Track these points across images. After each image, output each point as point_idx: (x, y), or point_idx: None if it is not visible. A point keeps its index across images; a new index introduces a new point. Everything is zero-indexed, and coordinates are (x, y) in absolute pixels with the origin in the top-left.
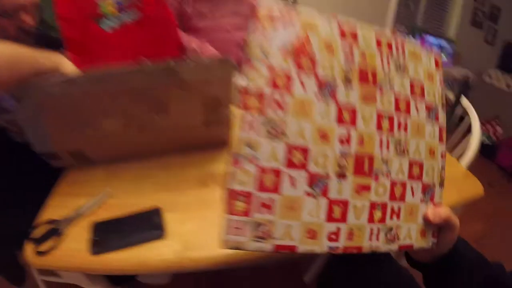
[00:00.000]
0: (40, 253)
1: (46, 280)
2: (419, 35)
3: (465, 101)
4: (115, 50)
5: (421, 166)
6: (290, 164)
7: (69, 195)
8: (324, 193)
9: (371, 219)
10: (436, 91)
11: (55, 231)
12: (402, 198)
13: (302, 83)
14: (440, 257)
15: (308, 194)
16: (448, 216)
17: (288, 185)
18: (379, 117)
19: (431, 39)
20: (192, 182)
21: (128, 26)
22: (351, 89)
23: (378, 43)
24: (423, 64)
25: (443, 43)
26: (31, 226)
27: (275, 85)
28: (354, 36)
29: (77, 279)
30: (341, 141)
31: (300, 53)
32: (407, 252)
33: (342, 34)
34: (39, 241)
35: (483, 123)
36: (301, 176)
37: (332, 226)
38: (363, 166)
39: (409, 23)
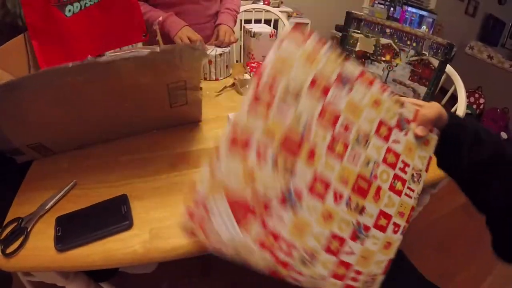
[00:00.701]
0: (8, 255)
1: (31, 281)
2: (400, 6)
3: (450, 69)
4: (79, 36)
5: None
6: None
7: (34, 190)
8: None
9: None
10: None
11: (22, 229)
12: None
13: None
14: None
15: None
16: (428, 117)
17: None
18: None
19: (412, 10)
20: (161, 165)
21: (90, 9)
22: None
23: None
24: None
25: (424, 14)
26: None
27: None
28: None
29: (51, 278)
30: None
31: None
32: None
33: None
34: (6, 242)
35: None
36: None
37: None
38: None
39: None
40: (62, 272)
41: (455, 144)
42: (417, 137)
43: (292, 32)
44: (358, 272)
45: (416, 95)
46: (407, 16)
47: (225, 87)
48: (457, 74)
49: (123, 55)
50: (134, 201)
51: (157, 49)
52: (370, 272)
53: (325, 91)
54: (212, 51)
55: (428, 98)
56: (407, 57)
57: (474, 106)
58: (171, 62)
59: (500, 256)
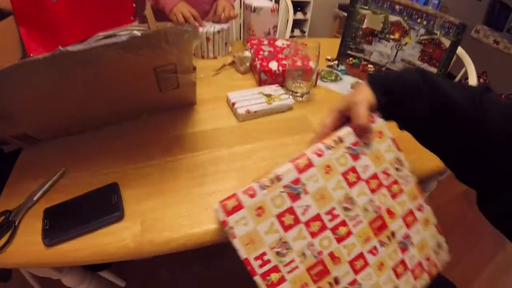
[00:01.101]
0: None
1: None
2: None
3: (460, 51)
4: (66, 20)
5: None
6: None
7: (23, 181)
8: None
9: None
10: None
11: (9, 223)
12: None
13: None
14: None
15: None
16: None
17: None
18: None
19: None
20: (154, 149)
21: None
22: None
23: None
24: None
25: None
26: None
27: None
28: None
29: (44, 272)
30: None
31: None
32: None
33: None
34: None
35: None
36: None
37: None
38: None
39: None
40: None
41: (395, 114)
42: (366, 141)
43: None
44: None
45: None
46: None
47: (224, 65)
48: (467, 56)
49: (101, 42)
50: (126, 190)
51: (139, 32)
52: None
53: None
54: (210, 27)
55: None
56: (417, 36)
57: None
58: (156, 47)
59: (484, 212)
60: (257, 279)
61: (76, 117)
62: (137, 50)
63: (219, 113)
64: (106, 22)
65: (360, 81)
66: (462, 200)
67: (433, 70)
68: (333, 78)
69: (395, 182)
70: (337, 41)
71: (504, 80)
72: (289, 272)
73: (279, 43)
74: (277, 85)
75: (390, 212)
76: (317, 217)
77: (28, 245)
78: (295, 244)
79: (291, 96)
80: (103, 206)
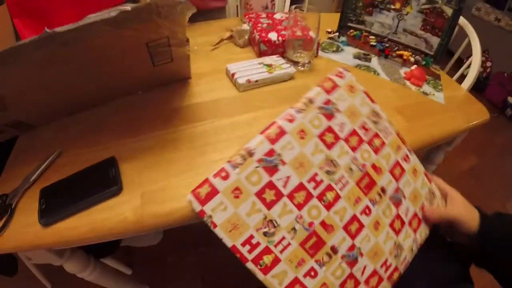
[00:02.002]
0: None
1: (37, 264)
2: None
3: (463, 21)
4: (59, 8)
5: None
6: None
7: (20, 165)
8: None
9: None
10: None
11: (6, 207)
12: None
13: None
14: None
15: None
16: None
17: None
18: None
19: None
20: (154, 122)
21: None
22: None
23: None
24: None
25: None
26: None
27: None
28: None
29: (44, 257)
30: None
31: None
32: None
33: None
34: None
35: None
36: None
37: None
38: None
39: None
40: (55, 250)
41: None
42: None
43: None
44: None
45: (428, 46)
46: None
47: (222, 39)
48: (471, 26)
49: (87, 20)
50: (124, 163)
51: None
52: None
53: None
54: None
55: (441, 50)
56: (418, 4)
57: (481, 69)
58: (147, 20)
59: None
60: (250, 265)
61: (69, 98)
62: (127, 25)
63: (219, 85)
64: (99, 7)
65: (363, 52)
66: (468, 178)
67: (436, 40)
68: (335, 49)
69: (376, 135)
70: (337, 15)
71: (506, 58)
72: (281, 251)
73: (277, 16)
74: (278, 55)
75: (376, 168)
76: (300, 187)
77: (25, 227)
78: (282, 220)
79: (292, 66)
80: (101, 181)
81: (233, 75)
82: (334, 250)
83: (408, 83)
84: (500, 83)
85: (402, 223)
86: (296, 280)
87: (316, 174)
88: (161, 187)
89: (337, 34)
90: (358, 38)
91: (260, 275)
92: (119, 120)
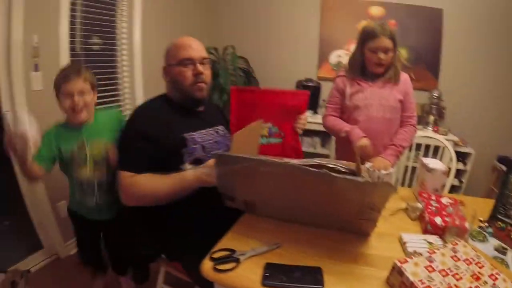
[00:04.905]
0: (219, 270)
1: None
2: None
3: None
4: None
5: None
6: None
7: (243, 234)
8: None
9: None
10: None
11: (235, 259)
12: None
13: None
14: None
15: None
16: None
17: None
18: None
19: None
20: (349, 256)
21: (272, 145)
22: None
23: None
24: None
25: None
26: (199, 248)
27: None
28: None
29: None
30: None
31: None
32: None
33: None
34: (217, 260)
35: None
36: None
37: None
38: None
39: None
40: None
41: None
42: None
43: None
44: None
45: None
46: None
47: (398, 210)
48: None
49: (342, 175)
50: (326, 275)
51: (361, 178)
52: None
53: None
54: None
55: None
56: None
57: None
58: (372, 191)
59: None
60: None
61: (285, 209)
62: (361, 190)
63: (391, 247)
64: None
65: (503, 245)
66: None
67: None
68: (481, 238)
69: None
70: (491, 202)
71: None
72: None
73: (444, 200)
74: (438, 236)
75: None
76: None
77: (246, 278)
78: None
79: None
80: (310, 278)
81: (405, 243)
82: None
83: None
84: None
85: None
86: None
87: None
88: None
89: (486, 224)
90: (502, 230)
91: None
92: (322, 244)
